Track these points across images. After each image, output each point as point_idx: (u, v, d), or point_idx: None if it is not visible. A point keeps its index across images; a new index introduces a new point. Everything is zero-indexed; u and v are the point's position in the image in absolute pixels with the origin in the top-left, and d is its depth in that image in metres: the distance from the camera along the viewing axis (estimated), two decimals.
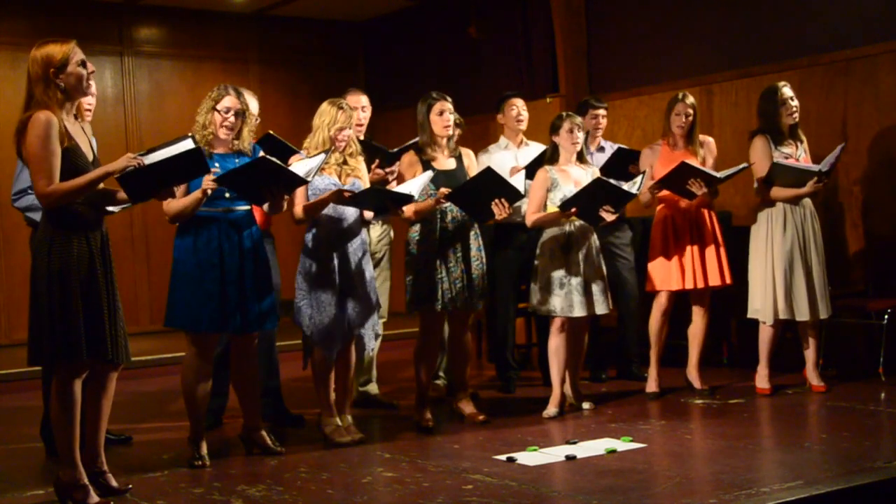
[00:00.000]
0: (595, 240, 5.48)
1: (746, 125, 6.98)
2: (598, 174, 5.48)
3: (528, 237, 5.87)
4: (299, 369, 5.24)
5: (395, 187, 5.20)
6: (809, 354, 5.83)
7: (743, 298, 5.91)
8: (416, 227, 5.23)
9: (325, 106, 4.98)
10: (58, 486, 3.98)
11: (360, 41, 10.98)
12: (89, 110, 4.97)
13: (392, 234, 6.09)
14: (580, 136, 5.41)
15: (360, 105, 5.82)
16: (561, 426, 5.23)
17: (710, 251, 5.77)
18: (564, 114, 5.51)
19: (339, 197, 4.80)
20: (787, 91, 5.72)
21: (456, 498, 3.89)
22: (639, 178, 5.42)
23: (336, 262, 4.93)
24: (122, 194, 4.03)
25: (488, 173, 5.06)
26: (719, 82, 7.31)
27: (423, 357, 5.32)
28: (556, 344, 5.45)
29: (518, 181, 5.16)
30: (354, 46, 10.96)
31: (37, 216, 4.73)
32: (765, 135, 5.73)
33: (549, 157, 5.49)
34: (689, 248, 5.75)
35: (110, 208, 4.17)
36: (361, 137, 5.73)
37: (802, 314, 5.64)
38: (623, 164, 6.11)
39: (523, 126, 6.29)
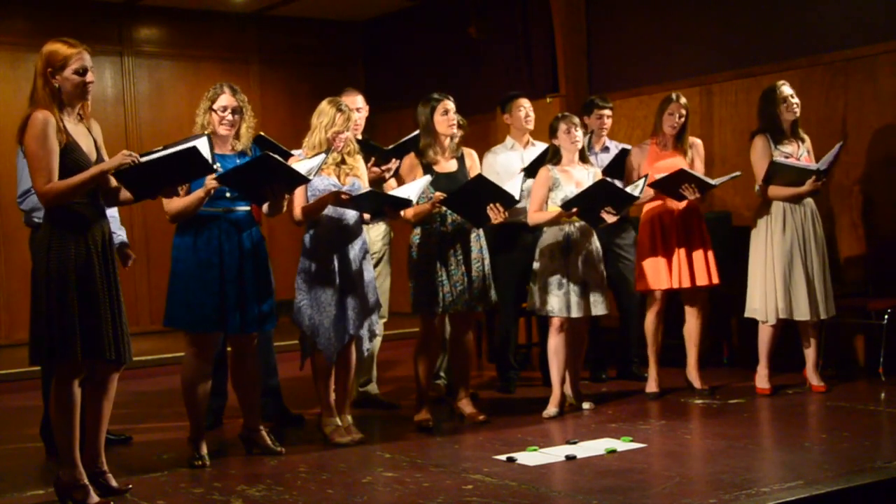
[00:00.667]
0: (595, 241, 5.48)
1: (746, 125, 6.98)
2: (600, 175, 5.49)
3: (532, 238, 5.87)
4: (297, 369, 5.24)
5: (394, 188, 5.20)
6: (809, 354, 5.82)
7: (743, 298, 5.91)
8: (418, 231, 5.23)
9: (324, 105, 4.97)
10: (58, 486, 3.98)
11: (360, 41, 10.98)
12: None
13: (392, 234, 6.09)
14: (579, 134, 5.41)
15: (355, 106, 5.81)
16: (561, 426, 5.23)
17: (697, 251, 5.78)
18: (560, 115, 5.51)
19: (337, 199, 4.80)
20: (786, 89, 5.72)
21: (456, 498, 3.89)
22: (641, 181, 5.42)
23: (336, 262, 4.92)
24: (126, 193, 4.03)
25: (479, 180, 5.06)
26: (719, 82, 7.31)
27: (422, 358, 5.32)
28: (555, 344, 5.45)
29: (514, 185, 5.14)
30: (354, 46, 10.96)
31: (40, 217, 4.73)
32: (765, 134, 5.74)
33: (551, 157, 5.49)
34: (676, 247, 5.76)
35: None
36: (359, 137, 5.73)
37: (802, 314, 5.64)
38: (625, 167, 6.10)
39: (531, 126, 6.28)
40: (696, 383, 5.92)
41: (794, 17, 6.91)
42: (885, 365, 6.09)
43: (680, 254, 5.75)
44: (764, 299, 5.70)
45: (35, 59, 3.91)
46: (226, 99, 4.62)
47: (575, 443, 4.71)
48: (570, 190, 5.33)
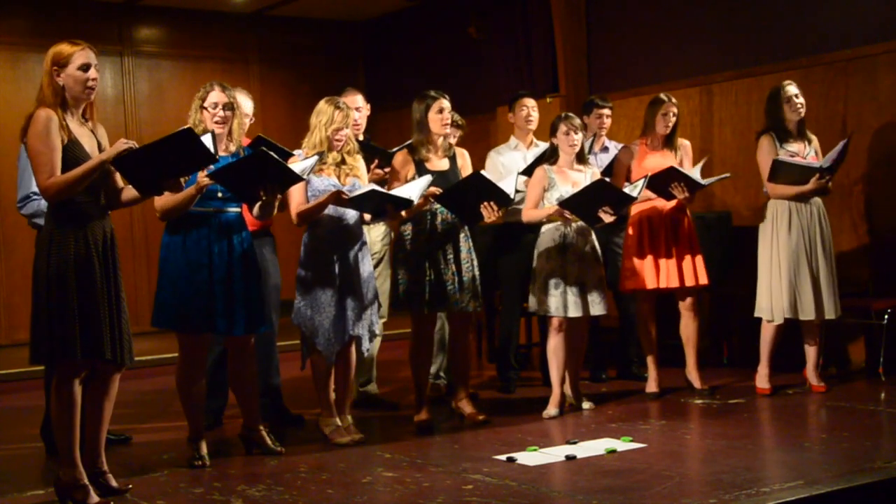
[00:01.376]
0: (594, 241, 5.48)
1: (746, 125, 6.99)
2: (597, 175, 5.48)
3: (534, 237, 5.87)
4: (297, 369, 5.24)
5: (395, 188, 5.19)
6: (811, 354, 5.82)
7: (743, 299, 5.91)
8: (408, 227, 5.22)
9: (322, 105, 4.97)
10: (58, 486, 3.98)
11: (360, 41, 10.98)
12: None
13: (392, 234, 6.09)
14: (577, 137, 5.41)
15: (356, 105, 5.81)
16: (561, 426, 5.23)
17: (685, 252, 5.78)
18: (563, 115, 5.51)
19: (337, 199, 4.79)
20: (792, 89, 5.72)
21: (456, 498, 3.89)
22: (640, 182, 5.42)
23: (336, 262, 4.92)
24: (132, 191, 4.02)
25: (476, 177, 5.05)
26: (719, 82, 7.31)
27: (417, 358, 5.32)
28: (554, 344, 5.45)
29: (509, 184, 5.14)
30: (354, 46, 10.96)
31: (42, 221, 4.73)
32: (770, 134, 5.74)
33: (549, 156, 5.50)
34: (663, 248, 5.76)
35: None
36: (360, 138, 5.73)
37: (807, 313, 5.63)
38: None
39: (532, 126, 6.28)
40: (696, 383, 5.92)
41: (794, 17, 6.91)
42: (885, 365, 6.09)
43: (667, 255, 5.75)
44: (770, 299, 5.70)
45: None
46: (216, 95, 4.60)
47: (575, 443, 4.71)
48: (565, 190, 5.33)
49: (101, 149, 4.03)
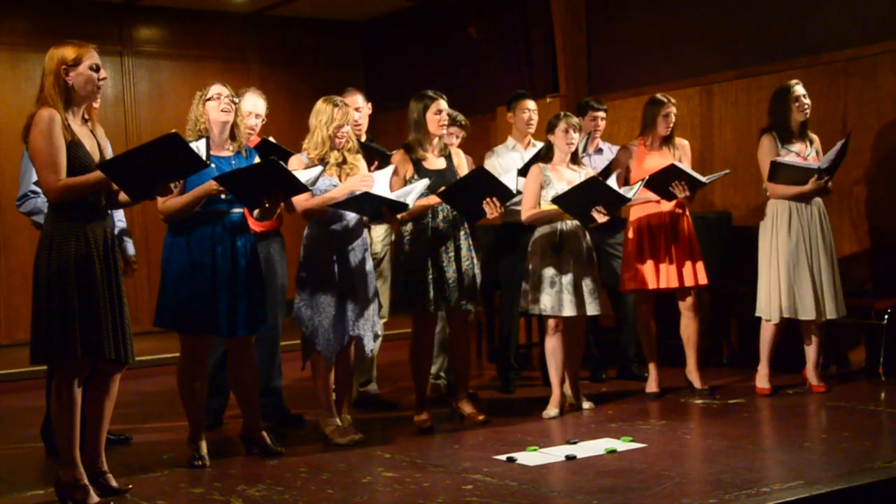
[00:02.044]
0: (588, 240, 5.47)
1: (746, 125, 6.99)
2: (591, 175, 5.48)
3: None
4: (299, 369, 5.24)
5: (393, 192, 5.19)
6: (811, 354, 5.82)
7: (743, 299, 5.91)
8: (408, 227, 5.22)
9: (320, 104, 4.98)
10: (58, 486, 3.98)
11: (360, 41, 10.98)
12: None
13: (393, 235, 6.09)
14: (575, 136, 5.41)
15: (357, 105, 5.81)
16: (561, 426, 5.23)
17: (685, 252, 5.78)
18: (562, 113, 5.50)
19: (338, 201, 4.79)
20: (799, 89, 5.72)
21: (456, 498, 3.89)
22: (637, 185, 5.42)
23: (336, 262, 4.92)
24: (123, 196, 4.03)
25: (480, 172, 5.06)
26: (719, 82, 7.31)
27: (418, 358, 5.31)
28: (552, 345, 5.45)
29: (511, 181, 5.14)
30: (354, 46, 10.96)
31: (41, 219, 4.74)
32: (772, 133, 5.74)
33: (544, 154, 5.49)
34: (663, 248, 5.76)
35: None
36: (363, 139, 5.73)
37: (807, 314, 5.63)
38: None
39: (532, 129, 6.28)
40: (697, 383, 5.92)
41: (794, 17, 6.91)
42: (885, 365, 6.09)
43: (667, 255, 5.75)
44: (769, 298, 5.70)
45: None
46: (218, 86, 4.61)
47: (575, 443, 4.71)
48: (560, 188, 5.31)
49: (100, 150, 4.04)
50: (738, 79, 7.18)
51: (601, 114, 6.51)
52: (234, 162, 4.61)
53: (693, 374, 5.94)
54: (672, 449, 4.64)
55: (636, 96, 7.78)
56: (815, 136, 5.83)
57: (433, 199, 5.09)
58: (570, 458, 4.44)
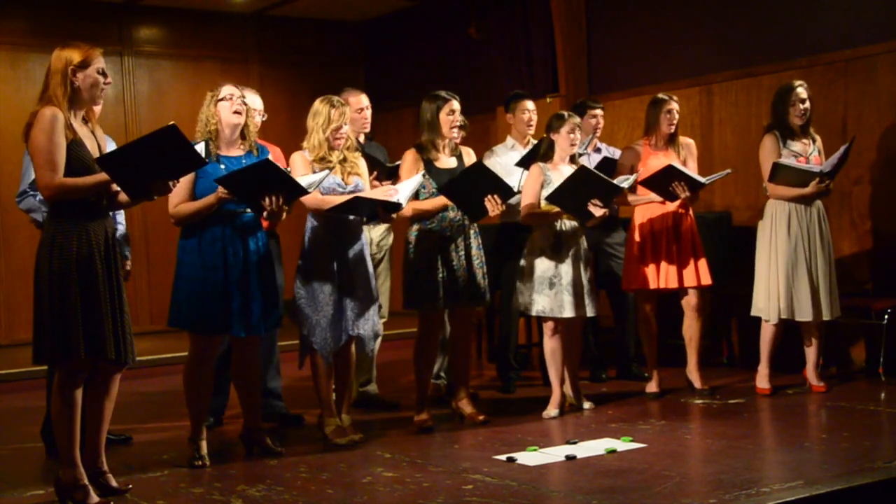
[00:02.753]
0: (584, 241, 5.47)
1: (746, 125, 6.99)
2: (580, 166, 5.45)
3: None
4: (297, 369, 5.24)
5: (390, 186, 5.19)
6: (810, 354, 5.82)
7: (743, 299, 5.91)
8: (416, 227, 5.22)
9: (317, 105, 4.97)
10: (58, 486, 3.98)
11: (360, 41, 10.98)
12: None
13: (393, 234, 6.09)
14: (578, 137, 5.41)
15: (360, 105, 5.81)
16: (561, 426, 5.23)
17: (687, 252, 5.77)
18: (566, 114, 5.49)
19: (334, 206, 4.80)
20: (802, 92, 5.70)
21: (456, 498, 3.89)
22: (631, 177, 5.42)
23: (335, 262, 4.92)
24: (123, 196, 4.03)
25: (479, 167, 5.05)
26: (719, 82, 7.31)
27: (423, 356, 5.32)
28: (551, 347, 5.45)
29: (513, 179, 5.14)
30: (354, 46, 10.96)
31: (39, 217, 4.76)
32: (774, 132, 5.74)
33: (544, 153, 5.48)
34: (665, 248, 5.76)
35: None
36: (370, 138, 5.72)
37: (804, 314, 5.64)
38: (608, 173, 6.09)
39: (532, 130, 6.29)
40: (697, 383, 5.92)
41: (794, 17, 6.91)
42: (885, 365, 6.09)
43: (669, 255, 5.75)
44: (767, 298, 5.70)
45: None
46: (229, 87, 4.63)
47: (575, 443, 4.71)
48: None
49: (100, 150, 4.04)
50: (738, 79, 7.18)
51: (599, 111, 6.50)
52: (244, 161, 4.62)
53: (693, 374, 5.94)
54: (672, 449, 4.64)
55: (636, 96, 7.78)
56: (817, 135, 5.83)
57: (441, 201, 5.09)
58: (570, 458, 4.44)
